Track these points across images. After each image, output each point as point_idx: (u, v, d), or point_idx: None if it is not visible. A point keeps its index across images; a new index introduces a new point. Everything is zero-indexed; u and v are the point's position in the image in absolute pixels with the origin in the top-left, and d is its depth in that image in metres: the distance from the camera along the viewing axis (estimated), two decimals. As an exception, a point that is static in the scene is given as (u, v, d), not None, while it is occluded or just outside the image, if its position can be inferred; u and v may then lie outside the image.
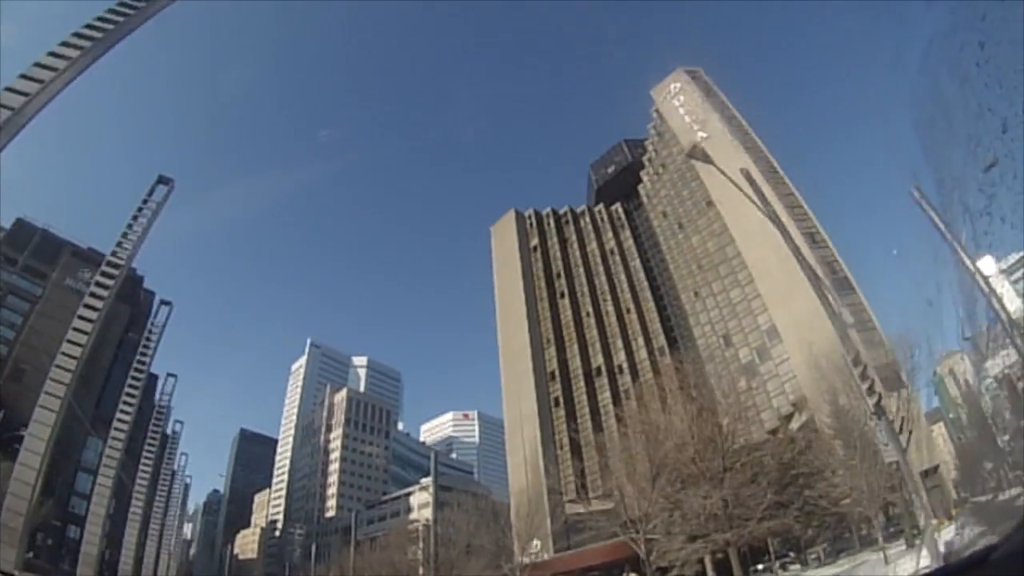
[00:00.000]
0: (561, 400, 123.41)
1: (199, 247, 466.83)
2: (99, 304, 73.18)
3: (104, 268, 77.77)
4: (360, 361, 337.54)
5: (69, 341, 68.76)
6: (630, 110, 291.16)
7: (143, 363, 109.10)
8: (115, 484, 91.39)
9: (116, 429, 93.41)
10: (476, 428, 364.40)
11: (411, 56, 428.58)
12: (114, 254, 78.90)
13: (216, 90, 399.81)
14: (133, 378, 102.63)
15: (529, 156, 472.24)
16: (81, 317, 71.31)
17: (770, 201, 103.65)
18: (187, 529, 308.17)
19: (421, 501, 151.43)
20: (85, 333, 69.53)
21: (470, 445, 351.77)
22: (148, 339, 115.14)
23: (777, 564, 68.73)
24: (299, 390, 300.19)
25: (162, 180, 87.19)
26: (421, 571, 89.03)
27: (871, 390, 36.55)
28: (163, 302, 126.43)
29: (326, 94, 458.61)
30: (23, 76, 47.20)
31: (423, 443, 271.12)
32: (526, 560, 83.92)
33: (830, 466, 61.44)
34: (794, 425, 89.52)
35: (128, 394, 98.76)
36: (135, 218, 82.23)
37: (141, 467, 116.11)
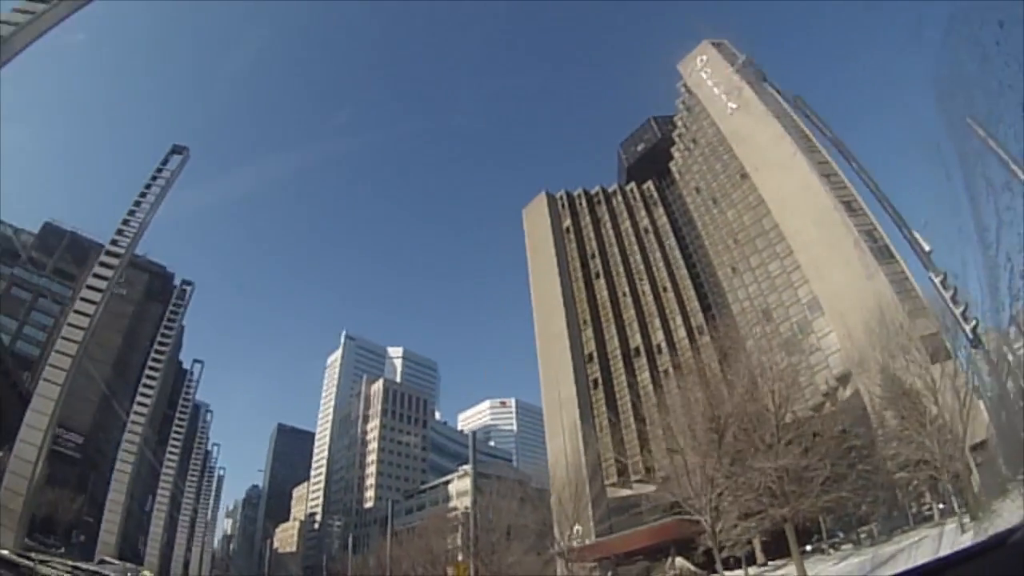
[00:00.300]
0: (600, 382, 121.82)
1: (229, 246, 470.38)
2: (108, 274, 72.42)
3: (115, 237, 76.88)
4: (396, 352, 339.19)
5: (76, 312, 68.49)
6: (656, 88, 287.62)
7: (165, 343, 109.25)
8: (135, 472, 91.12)
9: (136, 413, 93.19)
10: (514, 416, 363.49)
11: (433, 42, 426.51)
12: (126, 223, 77.80)
13: (229, 77, 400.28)
14: (155, 359, 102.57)
15: (557, 139, 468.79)
16: (90, 287, 70.93)
17: (804, 169, 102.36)
18: (227, 524, 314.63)
19: (460, 489, 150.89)
20: (93, 303, 69.03)
21: (508, 433, 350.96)
22: (172, 318, 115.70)
23: (827, 544, 66.80)
24: (335, 383, 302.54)
25: (176, 150, 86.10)
26: (460, 557, 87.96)
27: (965, 315, 34.79)
28: (184, 282, 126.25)
29: (345, 78, 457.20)
30: (15, 10, 47.74)
31: (461, 431, 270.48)
32: (567, 545, 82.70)
33: (883, 437, 59.61)
34: (840, 399, 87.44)
35: (149, 375, 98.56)
36: (148, 187, 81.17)
37: (168, 451, 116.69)
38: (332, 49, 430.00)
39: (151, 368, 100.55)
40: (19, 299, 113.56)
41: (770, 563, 64.02)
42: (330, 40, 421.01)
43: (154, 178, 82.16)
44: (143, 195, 79.92)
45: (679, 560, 74.77)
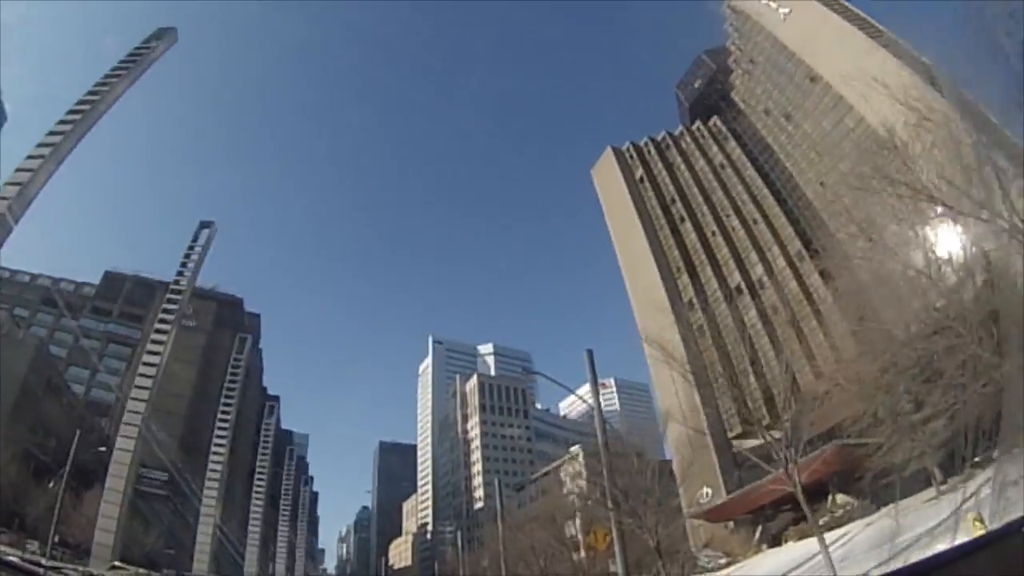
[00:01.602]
0: (705, 328, 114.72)
1: (308, 277, 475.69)
2: (34, 165, 70.92)
3: (65, 117, 73.33)
4: (486, 349, 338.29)
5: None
6: (699, 21, 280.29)
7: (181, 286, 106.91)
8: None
9: (137, 387, 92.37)
10: (615, 394, 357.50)
11: (458, 25, 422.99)
12: (87, 100, 74.54)
13: (275, 80, 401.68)
14: (159, 327, 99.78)
15: (609, 96, 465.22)
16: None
17: (877, 53, 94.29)
18: (342, 549, 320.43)
19: (572, 472, 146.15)
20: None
21: (611, 413, 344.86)
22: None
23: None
24: (430, 389, 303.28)
25: (158, 34, 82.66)
26: (580, 536, 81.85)
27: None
28: (203, 224, 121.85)
29: (382, 77, 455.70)
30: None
31: (564, 416, 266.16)
32: (695, 510, 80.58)
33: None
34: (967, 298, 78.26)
35: (147, 362, 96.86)
36: (134, 61, 77.27)
37: (212, 456, 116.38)
38: (369, 43, 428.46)
39: (150, 352, 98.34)
40: (89, 349, 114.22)
41: (948, 480, 52.84)
42: (371, 28, 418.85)
43: (136, 55, 77.88)
44: (118, 69, 75.64)
45: (840, 496, 65.02)
